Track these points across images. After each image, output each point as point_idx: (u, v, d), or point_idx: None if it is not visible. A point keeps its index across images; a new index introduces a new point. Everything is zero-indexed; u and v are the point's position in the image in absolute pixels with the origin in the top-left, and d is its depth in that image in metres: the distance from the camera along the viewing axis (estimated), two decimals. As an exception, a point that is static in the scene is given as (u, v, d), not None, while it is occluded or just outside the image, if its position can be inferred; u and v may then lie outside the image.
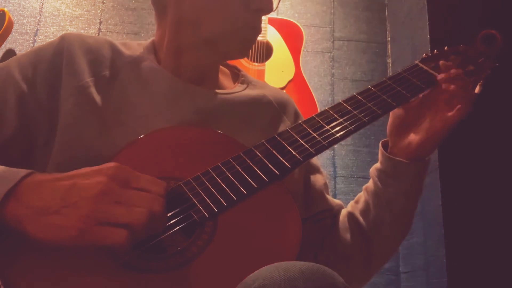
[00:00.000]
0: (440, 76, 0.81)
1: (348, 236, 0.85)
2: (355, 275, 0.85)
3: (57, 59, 0.77)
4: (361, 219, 0.85)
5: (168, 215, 0.63)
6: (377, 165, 0.84)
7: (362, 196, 0.87)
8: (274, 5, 0.82)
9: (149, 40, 0.88)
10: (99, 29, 2.32)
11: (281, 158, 0.70)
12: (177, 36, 0.82)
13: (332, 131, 0.73)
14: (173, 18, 0.82)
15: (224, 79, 0.91)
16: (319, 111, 0.79)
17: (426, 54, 0.88)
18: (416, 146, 0.79)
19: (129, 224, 0.55)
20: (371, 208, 0.83)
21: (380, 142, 0.85)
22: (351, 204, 0.89)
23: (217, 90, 0.84)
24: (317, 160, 0.93)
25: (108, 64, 0.80)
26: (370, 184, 0.85)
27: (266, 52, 2.14)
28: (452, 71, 0.81)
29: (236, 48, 0.82)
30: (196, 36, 0.81)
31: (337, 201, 0.92)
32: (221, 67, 0.92)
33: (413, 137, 0.80)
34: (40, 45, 0.80)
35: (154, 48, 0.86)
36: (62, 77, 0.75)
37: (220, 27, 0.79)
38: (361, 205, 0.86)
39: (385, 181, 0.81)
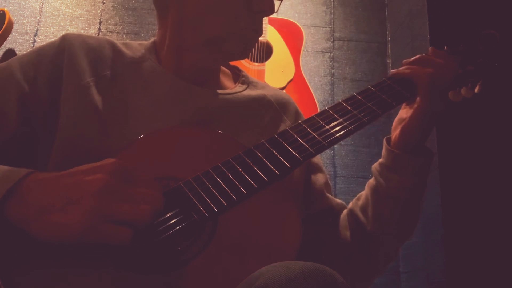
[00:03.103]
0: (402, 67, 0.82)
1: (348, 234, 0.85)
2: (358, 275, 0.84)
3: (58, 59, 0.77)
4: (361, 215, 0.84)
5: (168, 215, 0.63)
6: (380, 159, 0.84)
7: (363, 193, 0.87)
8: (276, 7, 0.82)
9: (150, 40, 0.88)
10: (99, 29, 2.32)
11: (281, 158, 0.70)
12: (178, 36, 0.82)
13: (332, 131, 0.73)
14: (175, 18, 0.82)
15: (225, 79, 0.92)
16: (319, 111, 0.79)
17: (425, 55, 0.88)
18: (398, 137, 0.80)
19: (133, 222, 0.55)
20: (371, 204, 0.83)
21: (385, 138, 0.85)
22: (352, 201, 0.89)
23: (218, 91, 0.85)
24: (319, 159, 0.93)
25: (109, 64, 0.80)
26: (371, 179, 0.85)
27: (266, 52, 2.14)
28: (412, 58, 0.82)
29: (237, 49, 0.82)
30: (198, 36, 0.81)
31: (338, 201, 0.92)
32: (222, 67, 0.92)
33: (398, 128, 0.81)
34: (41, 45, 0.80)
35: (155, 48, 0.86)
36: (63, 77, 0.76)
37: (222, 27, 0.79)
38: (361, 201, 0.85)
39: (385, 175, 0.81)
